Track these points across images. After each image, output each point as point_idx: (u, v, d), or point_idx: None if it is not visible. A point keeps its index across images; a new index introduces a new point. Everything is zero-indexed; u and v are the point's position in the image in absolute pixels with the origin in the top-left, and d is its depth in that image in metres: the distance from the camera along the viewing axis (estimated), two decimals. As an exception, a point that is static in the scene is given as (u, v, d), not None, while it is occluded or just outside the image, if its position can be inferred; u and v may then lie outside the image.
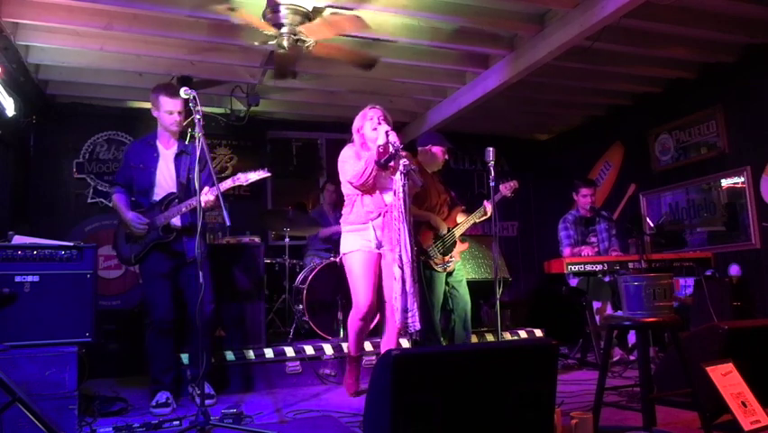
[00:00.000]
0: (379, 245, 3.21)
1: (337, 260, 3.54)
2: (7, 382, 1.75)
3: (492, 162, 3.72)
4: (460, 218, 4.24)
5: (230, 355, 4.01)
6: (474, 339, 4.56)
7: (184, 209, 3.38)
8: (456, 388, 2.06)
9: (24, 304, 2.99)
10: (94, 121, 5.89)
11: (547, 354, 2.21)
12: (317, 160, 6.85)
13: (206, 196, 3.22)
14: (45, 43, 4.44)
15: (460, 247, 4.20)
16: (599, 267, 4.32)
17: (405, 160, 2.95)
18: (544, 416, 2.18)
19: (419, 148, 4.26)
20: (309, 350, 4.23)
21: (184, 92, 2.92)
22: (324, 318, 4.67)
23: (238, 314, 4.24)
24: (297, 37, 3.83)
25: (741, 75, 5.17)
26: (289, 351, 4.18)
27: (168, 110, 3.47)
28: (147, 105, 5.85)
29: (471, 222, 4.21)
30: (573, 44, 4.35)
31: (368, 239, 3.22)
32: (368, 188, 3.20)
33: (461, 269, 4.32)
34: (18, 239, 3.15)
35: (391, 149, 3.03)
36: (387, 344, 3.35)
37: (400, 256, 2.95)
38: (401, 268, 2.94)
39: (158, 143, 3.57)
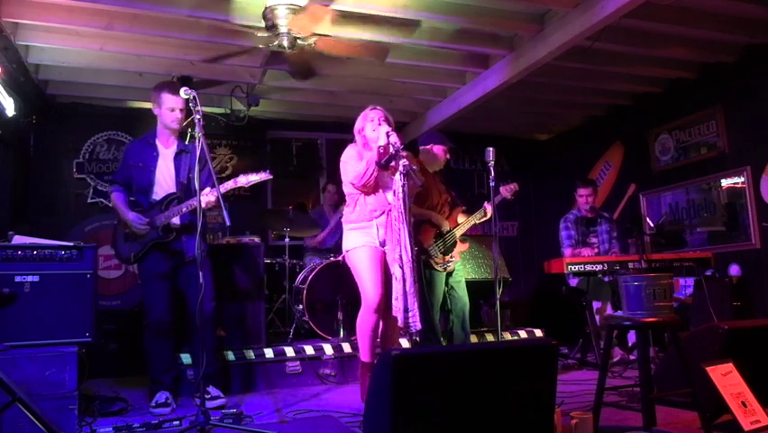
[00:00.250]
0: (383, 243, 3.19)
1: (340, 258, 3.50)
2: (7, 382, 1.75)
3: (492, 162, 3.72)
4: (461, 219, 4.24)
5: (230, 355, 4.01)
6: (474, 339, 4.57)
7: (185, 209, 3.38)
8: (456, 388, 2.06)
9: (24, 304, 2.99)
10: (94, 121, 5.89)
11: (547, 354, 2.21)
12: (317, 160, 6.85)
13: (207, 196, 3.22)
14: (45, 43, 4.44)
15: (460, 247, 4.20)
16: (599, 267, 4.31)
17: (405, 160, 2.95)
18: (544, 416, 2.18)
19: (420, 147, 4.26)
20: (309, 350, 4.23)
21: (184, 92, 2.92)
22: (324, 318, 4.67)
23: (238, 314, 4.24)
24: (295, 36, 3.83)
25: (741, 75, 5.17)
26: (289, 351, 4.18)
27: (169, 107, 3.46)
28: (147, 105, 5.87)
29: (472, 223, 4.22)
30: (573, 44, 4.35)
31: (372, 236, 3.21)
32: (369, 188, 3.20)
33: (461, 269, 4.32)
34: (18, 239, 3.15)
35: (392, 149, 3.03)
36: (386, 343, 3.34)
37: (400, 256, 2.94)
38: (401, 268, 2.94)
39: (157, 142, 3.56)
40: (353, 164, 3.23)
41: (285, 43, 3.86)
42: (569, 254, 4.87)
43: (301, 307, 4.67)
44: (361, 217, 3.23)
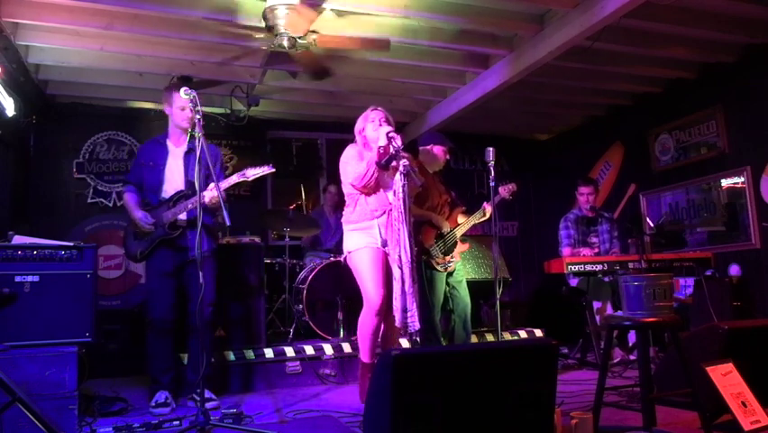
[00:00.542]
0: (384, 244, 3.19)
1: (341, 259, 3.49)
2: (7, 382, 1.75)
3: (492, 162, 3.72)
4: (460, 219, 4.24)
5: (230, 355, 4.01)
6: (474, 339, 4.56)
7: (190, 206, 3.41)
8: (456, 388, 2.06)
9: (24, 304, 2.99)
10: (94, 121, 5.89)
11: (547, 354, 2.21)
12: (317, 160, 6.84)
13: (210, 192, 3.27)
14: (45, 43, 4.44)
15: (460, 248, 4.20)
16: (599, 267, 4.31)
17: (405, 160, 2.95)
18: (544, 416, 2.18)
19: (420, 148, 4.26)
20: (309, 350, 4.23)
21: (184, 92, 2.94)
22: (324, 318, 4.67)
23: (238, 314, 4.24)
24: (295, 36, 3.83)
25: (741, 75, 5.17)
26: (289, 351, 4.18)
27: (180, 106, 3.51)
28: (147, 105, 5.97)
29: (472, 223, 4.22)
30: (573, 44, 4.35)
31: (373, 237, 3.20)
32: (370, 189, 3.20)
33: (462, 269, 4.32)
34: (18, 239, 3.15)
35: (392, 150, 3.03)
36: (386, 344, 3.34)
37: (399, 256, 2.94)
38: (400, 268, 2.94)
39: (168, 142, 3.63)
40: (354, 165, 3.23)
41: (285, 43, 3.86)
42: (567, 254, 4.87)
43: (301, 307, 4.67)
44: (362, 217, 3.23)
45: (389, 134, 3.04)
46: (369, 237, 3.20)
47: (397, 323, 2.97)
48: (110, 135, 5.95)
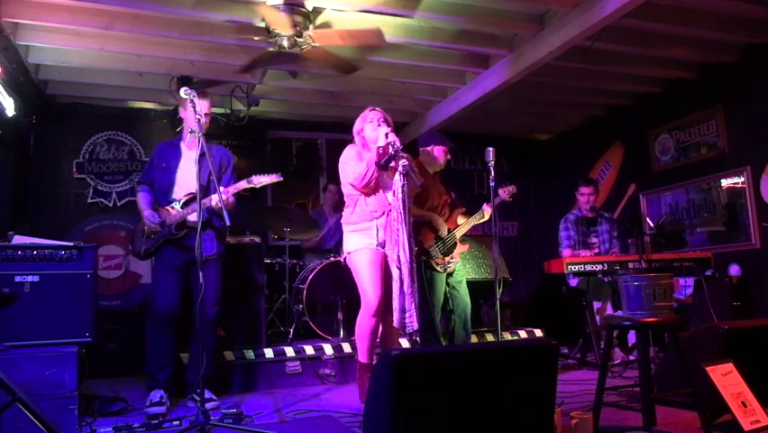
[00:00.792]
0: (383, 245, 3.19)
1: (341, 259, 3.50)
2: (7, 382, 1.75)
3: (492, 162, 3.72)
4: (460, 220, 4.24)
5: (230, 355, 4.01)
6: (474, 339, 4.56)
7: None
8: (456, 388, 2.06)
9: (24, 304, 2.99)
10: (94, 121, 5.89)
11: (547, 354, 2.21)
12: (317, 160, 6.84)
13: (213, 196, 3.31)
14: (45, 43, 4.44)
15: (460, 248, 4.20)
16: (599, 267, 4.31)
17: (404, 160, 2.95)
18: (544, 416, 2.18)
19: (420, 148, 4.26)
20: (309, 350, 4.23)
21: (184, 92, 2.94)
22: (324, 318, 4.67)
23: (238, 314, 4.24)
24: (300, 39, 3.84)
25: (741, 75, 5.17)
26: (289, 351, 4.18)
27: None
28: (147, 105, 5.97)
29: (471, 224, 4.22)
30: (573, 44, 4.35)
31: (372, 238, 3.21)
32: (370, 189, 3.20)
33: (461, 269, 4.32)
34: (18, 239, 3.15)
35: (391, 150, 3.03)
36: (385, 344, 3.34)
37: (398, 257, 2.94)
38: (399, 268, 2.94)
39: (182, 144, 3.65)
40: (353, 165, 3.23)
41: (285, 43, 3.86)
42: (567, 255, 4.87)
43: (301, 307, 4.67)
44: (361, 218, 3.23)
45: (388, 135, 3.05)
46: (368, 238, 3.21)
47: (395, 323, 2.98)
48: (110, 135, 5.94)
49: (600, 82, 5.65)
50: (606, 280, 4.75)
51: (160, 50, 4.64)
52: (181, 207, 3.48)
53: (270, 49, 3.94)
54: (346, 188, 3.33)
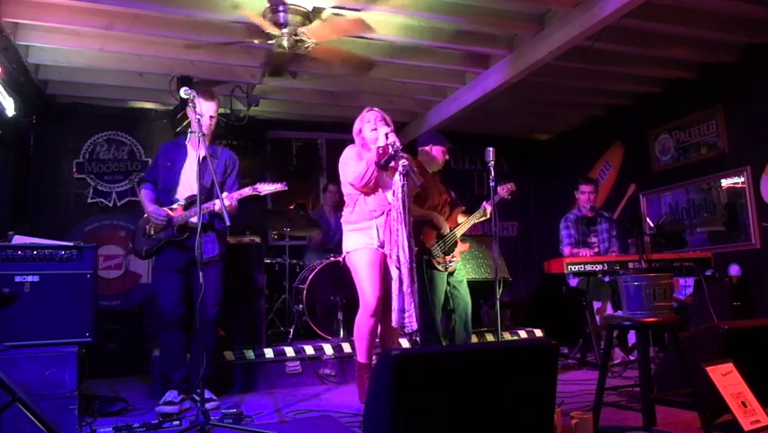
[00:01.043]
0: (382, 244, 3.19)
1: (340, 259, 3.50)
2: (7, 382, 1.75)
3: (492, 162, 3.71)
4: (460, 219, 4.24)
5: (230, 355, 4.01)
6: (474, 339, 4.56)
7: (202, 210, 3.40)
8: (456, 388, 2.06)
9: (24, 304, 2.99)
10: (94, 121, 5.89)
11: (547, 354, 2.21)
12: (317, 160, 6.84)
13: (215, 200, 3.32)
14: (45, 43, 4.44)
15: (461, 247, 4.20)
16: (599, 267, 4.31)
17: (404, 160, 2.95)
18: (544, 416, 2.18)
19: (420, 148, 4.26)
20: (309, 350, 4.23)
21: (184, 92, 2.93)
22: (324, 318, 4.67)
23: (238, 314, 4.24)
24: (297, 38, 3.84)
25: (741, 75, 5.17)
26: (289, 351, 4.18)
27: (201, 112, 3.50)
28: (147, 105, 5.97)
29: (472, 223, 4.22)
30: (573, 44, 4.35)
31: (371, 237, 3.21)
32: (369, 189, 3.20)
33: (462, 269, 4.32)
34: (18, 239, 3.15)
35: (391, 150, 3.03)
36: (385, 344, 3.34)
37: (398, 257, 2.94)
38: (398, 268, 2.94)
39: (188, 144, 3.62)
40: (353, 165, 3.23)
41: (285, 43, 3.86)
42: (568, 253, 4.87)
43: (301, 307, 4.67)
44: (361, 218, 3.23)
45: (387, 135, 3.05)
46: (367, 238, 3.21)
47: (394, 323, 2.98)
48: (110, 135, 5.95)
49: (600, 82, 5.65)
50: (606, 280, 4.75)
51: (160, 50, 4.64)
52: (185, 208, 3.47)
53: (278, 49, 3.93)
54: (346, 188, 3.33)
